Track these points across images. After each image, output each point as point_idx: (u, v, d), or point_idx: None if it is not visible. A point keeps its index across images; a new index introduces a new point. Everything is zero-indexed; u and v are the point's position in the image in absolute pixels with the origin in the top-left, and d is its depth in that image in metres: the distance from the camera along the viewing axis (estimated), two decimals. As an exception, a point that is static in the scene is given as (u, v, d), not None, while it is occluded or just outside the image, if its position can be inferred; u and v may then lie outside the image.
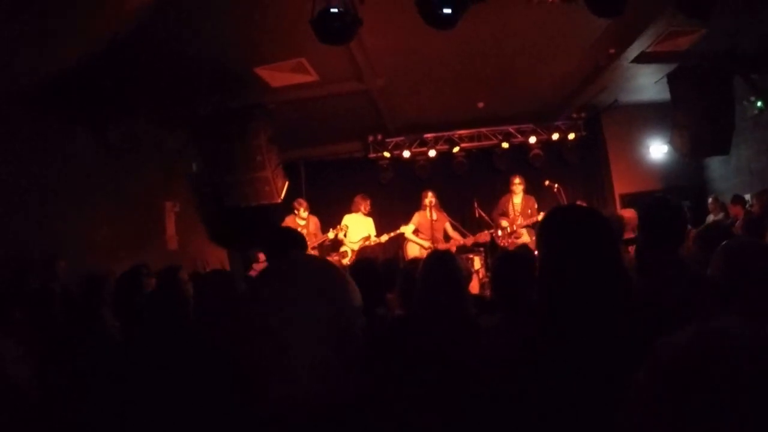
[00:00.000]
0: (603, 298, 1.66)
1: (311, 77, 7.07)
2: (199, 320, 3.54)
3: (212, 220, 9.11)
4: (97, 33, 4.64)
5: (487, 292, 7.10)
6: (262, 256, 7.75)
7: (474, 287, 6.76)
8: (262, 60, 6.51)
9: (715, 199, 8.68)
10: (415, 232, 8.62)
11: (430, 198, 8.42)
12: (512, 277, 2.90)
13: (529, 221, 8.46)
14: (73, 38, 4.65)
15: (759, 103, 8.12)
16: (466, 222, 9.17)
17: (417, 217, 8.63)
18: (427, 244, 8.36)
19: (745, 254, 2.37)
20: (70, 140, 6.16)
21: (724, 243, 2.51)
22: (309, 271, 1.16)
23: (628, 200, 10.04)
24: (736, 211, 7.93)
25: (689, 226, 3.63)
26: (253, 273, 8.25)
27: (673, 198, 3.03)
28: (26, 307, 3.89)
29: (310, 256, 1.56)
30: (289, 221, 8.19)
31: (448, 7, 4.57)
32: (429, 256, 3.09)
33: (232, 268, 9.38)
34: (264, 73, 6.78)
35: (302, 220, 8.28)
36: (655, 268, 2.68)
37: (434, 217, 8.39)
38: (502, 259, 3.20)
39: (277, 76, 6.95)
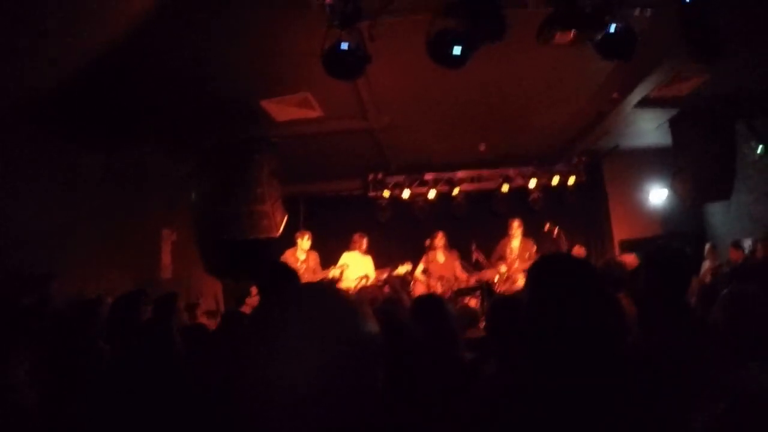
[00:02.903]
0: (591, 351, 1.59)
1: (316, 112, 7.07)
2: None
3: (209, 251, 9.00)
4: (99, 47, 4.64)
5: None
6: (254, 290, 7.62)
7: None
8: (268, 93, 6.51)
9: (713, 247, 8.69)
10: (425, 272, 8.54)
11: (440, 239, 8.39)
12: (507, 323, 2.81)
13: (527, 265, 8.39)
14: (76, 55, 4.66)
15: (760, 148, 8.17)
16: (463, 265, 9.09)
17: (426, 259, 8.60)
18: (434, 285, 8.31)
19: (747, 302, 2.32)
20: (74, 162, 6.12)
21: (725, 291, 2.46)
22: (306, 308, 1.01)
23: (628, 246, 10.00)
24: (736, 255, 7.93)
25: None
26: (245, 308, 8.09)
27: (677, 244, 2.99)
28: (20, 327, 3.80)
29: (308, 287, 1.39)
30: (288, 255, 8.08)
31: (458, 47, 4.59)
32: (416, 301, 3.00)
33: (225, 301, 9.26)
34: (269, 106, 6.78)
35: (303, 254, 8.16)
36: (658, 317, 2.62)
37: (441, 259, 8.35)
38: (497, 305, 3.12)
39: (282, 110, 6.95)
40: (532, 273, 1.80)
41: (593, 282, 1.71)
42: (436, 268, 8.40)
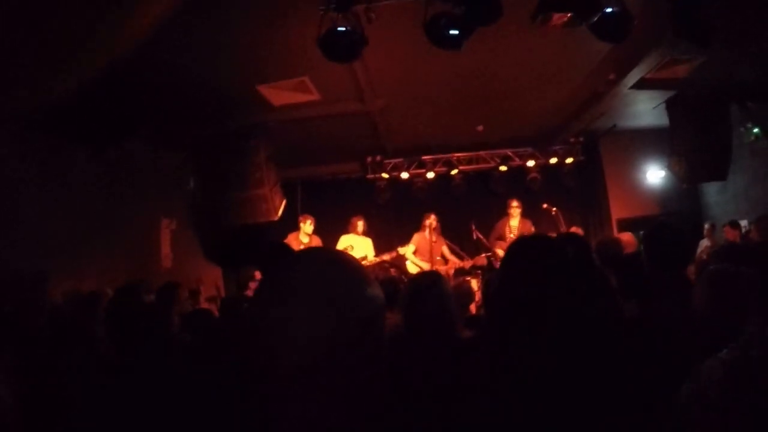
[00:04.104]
0: (580, 327, 1.60)
1: (313, 96, 7.06)
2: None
3: (208, 239, 9.02)
4: (97, 58, 4.64)
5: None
6: (258, 275, 7.66)
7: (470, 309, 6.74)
8: (264, 78, 6.50)
9: (712, 226, 8.75)
10: (414, 252, 8.61)
11: (431, 220, 8.44)
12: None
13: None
14: (74, 61, 4.64)
15: (755, 130, 8.22)
16: (463, 244, 9.14)
17: (416, 238, 8.64)
18: (426, 265, 8.34)
19: (726, 281, 2.35)
20: (69, 157, 6.11)
21: (707, 270, 2.49)
22: (310, 278, 1.00)
23: (625, 225, 10.07)
24: (732, 235, 7.99)
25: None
26: (249, 293, 8.14)
27: (676, 223, 3.02)
28: (11, 324, 3.80)
29: (312, 252, 1.35)
30: (291, 239, 8.12)
31: (454, 29, 4.60)
32: (413, 279, 3.00)
33: (226, 288, 9.30)
34: (266, 91, 6.77)
35: (306, 237, 8.21)
36: (658, 292, 2.66)
37: (433, 239, 8.40)
38: (493, 281, 3.14)
39: (279, 95, 6.94)
40: (507, 253, 1.81)
41: (571, 259, 1.73)
42: (425, 249, 8.45)
